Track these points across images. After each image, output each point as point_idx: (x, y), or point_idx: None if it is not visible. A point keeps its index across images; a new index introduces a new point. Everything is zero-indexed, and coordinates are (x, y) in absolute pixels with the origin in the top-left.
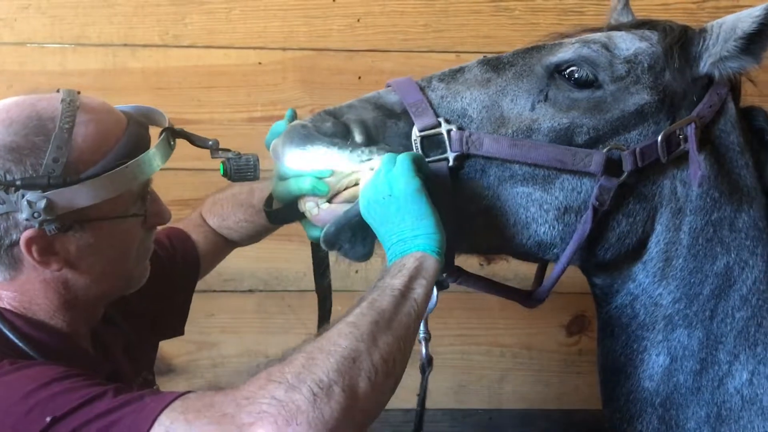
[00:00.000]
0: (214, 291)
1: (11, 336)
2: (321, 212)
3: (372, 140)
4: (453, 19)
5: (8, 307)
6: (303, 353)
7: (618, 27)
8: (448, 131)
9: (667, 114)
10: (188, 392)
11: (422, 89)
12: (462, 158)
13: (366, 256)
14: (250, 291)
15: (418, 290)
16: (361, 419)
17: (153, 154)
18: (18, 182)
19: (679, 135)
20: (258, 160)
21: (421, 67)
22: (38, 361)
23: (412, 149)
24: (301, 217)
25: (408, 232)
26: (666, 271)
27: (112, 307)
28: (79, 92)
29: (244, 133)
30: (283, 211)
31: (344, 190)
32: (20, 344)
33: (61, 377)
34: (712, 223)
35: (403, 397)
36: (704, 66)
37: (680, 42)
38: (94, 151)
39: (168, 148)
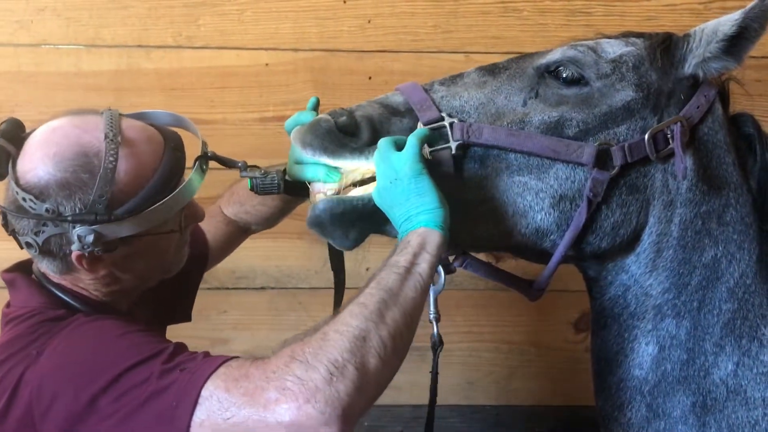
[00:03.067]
0: (227, 288)
1: (70, 300)
2: None
3: (377, 135)
4: (462, 20)
5: (62, 283)
6: (320, 333)
7: (608, 36)
8: (451, 123)
9: (653, 111)
10: (233, 358)
11: (426, 91)
12: (463, 147)
13: (346, 244)
14: (262, 288)
15: (423, 265)
16: (372, 392)
17: (188, 185)
18: (69, 218)
19: (668, 134)
20: (282, 177)
21: (430, 67)
22: (106, 315)
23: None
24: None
25: (413, 210)
26: (657, 262)
27: None
28: (121, 114)
29: (256, 132)
30: (296, 184)
31: (351, 186)
32: (80, 306)
33: (130, 331)
34: (700, 215)
35: (414, 393)
36: (689, 67)
37: (664, 44)
38: (135, 183)
39: (201, 174)
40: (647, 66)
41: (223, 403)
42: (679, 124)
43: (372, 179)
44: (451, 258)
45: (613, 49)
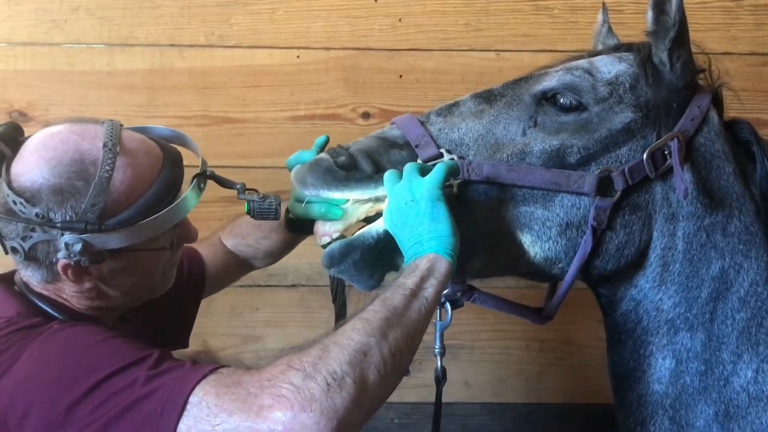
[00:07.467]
0: (259, 286)
1: (50, 310)
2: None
3: (378, 166)
4: (493, 18)
5: (44, 293)
6: (320, 345)
7: (599, 52)
8: (450, 161)
9: (653, 128)
10: (223, 366)
11: (422, 124)
12: (465, 185)
13: (369, 284)
14: (294, 286)
15: (429, 290)
16: (368, 407)
17: (183, 202)
18: (58, 224)
19: (665, 150)
20: (280, 203)
21: (461, 65)
22: (83, 322)
23: None
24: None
25: (425, 235)
26: (664, 277)
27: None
28: (122, 125)
29: (287, 131)
30: (300, 223)
31: (356, 222)
32: (59, 316)
33: (110, 337)
34: (704, 228)
35: (445, 391)
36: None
37: (651, 56)
38: (129, 195)
39: (198, 192)
40: (642, 83)
41: (213, 409)
42: (675, 140)
43: (377, 217)
44: (458, 293)
45: (608, 68)
